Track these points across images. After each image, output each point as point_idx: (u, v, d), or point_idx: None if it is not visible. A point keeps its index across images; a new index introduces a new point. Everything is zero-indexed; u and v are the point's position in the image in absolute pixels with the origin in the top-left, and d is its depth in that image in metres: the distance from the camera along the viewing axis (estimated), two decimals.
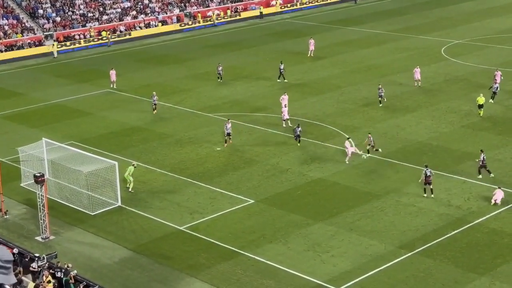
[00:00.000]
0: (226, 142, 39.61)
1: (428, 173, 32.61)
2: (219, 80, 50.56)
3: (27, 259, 26.31)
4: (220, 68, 51.85)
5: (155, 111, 44.37)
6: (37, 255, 26.45)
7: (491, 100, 45.14)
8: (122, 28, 70.97)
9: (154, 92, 45.48)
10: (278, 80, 52.12)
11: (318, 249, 28.09)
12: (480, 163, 34.57)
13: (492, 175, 34.56)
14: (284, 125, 42.31)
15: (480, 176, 34.53)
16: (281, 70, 52.20)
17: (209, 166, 37.00)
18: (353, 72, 54.40)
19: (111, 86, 49.65)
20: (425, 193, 32.78)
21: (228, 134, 39.63)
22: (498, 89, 45.94)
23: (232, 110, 46.02)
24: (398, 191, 33.25)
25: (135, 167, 34.75)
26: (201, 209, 32.12)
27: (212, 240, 29.12)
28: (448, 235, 28.81)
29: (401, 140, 38.36)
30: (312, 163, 36.90)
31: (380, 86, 46.46)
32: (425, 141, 39.54)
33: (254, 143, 39.69)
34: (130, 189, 34.03)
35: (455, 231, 29.20)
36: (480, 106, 43.07)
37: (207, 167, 36.84)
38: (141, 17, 72.81)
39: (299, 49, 60.79)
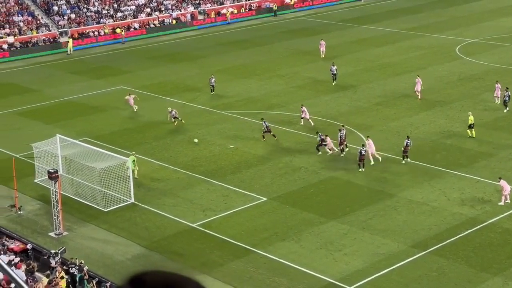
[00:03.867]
0: (264, 138, 39.66)
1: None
2: (212, 93, 48.92)
3: (45, 257, 26.44)
4: (213, 80, 49.44)
5: (176, 123, 42.67)
6: (53, 251, 26.63)
7: (506, 110, 43.35)
8: (137, 25, 71.12)
9: (169, 108, 43.70)
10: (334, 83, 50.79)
11: (330, 247, 28.08)
12: (403, 149, 35.97)
13: (404, 161, 35.85)
14: (302, 123, 42.19)
15: (403, 162, 35.84)
16: (334, 72, 50.72)
17: (222, 163, 37.03)
18: (367, 71, 54.25)
19: (133, 110, 45.63)
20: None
21: (269, 131, 39.58)
22: (510, 97, 43.37)
23: (245, 107, 46.02)
24: (411, 190, 33.16)
25: (135, 156, 35.56)
26: (214, 206, 32.17)
27: (225, 238, 29.17)
28: (461, 235, 28.72)
29: (414, 139, 38.21)
30: (325, 162, 36.84)
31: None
32: (439, 140, 39.39)
33: (267, 141, 39.66)
34: (135, 176, 34.40)
35: (468, 231, 29.11)
36: (470, 126, 39.19)
37: (220, 165, 36.86)
38: (155, 14, 72.94)
39: (312, 48, 60.70)
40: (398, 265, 26.54)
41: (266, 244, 28.48)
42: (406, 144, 36.00)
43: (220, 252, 28.01)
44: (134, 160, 34.98)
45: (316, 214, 30.99)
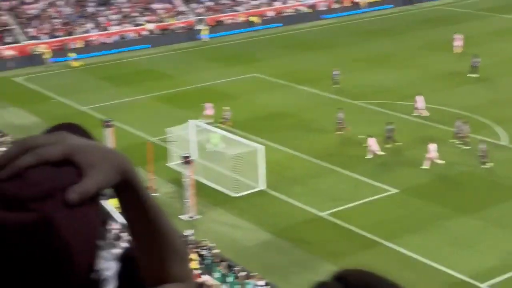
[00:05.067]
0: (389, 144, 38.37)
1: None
2: (333, 86, 47.79)
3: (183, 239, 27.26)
4: (335, 73, 48.39)
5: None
6: (185, 233, 27.40)
7: None
8: (271, 13, 71.65)
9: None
10: (470, 75, 49.63)
11: (461, 243, 27.34)
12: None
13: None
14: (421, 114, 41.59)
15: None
16: (476, 64, 49.49)
17: (353, 153, 36.74)
18: (506, 62, 52.11)
19: (211, 121, 41.18)
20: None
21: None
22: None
23: (378, 98, 45.40)
24: None
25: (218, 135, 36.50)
26: (343, 196, 32.02)
27: (353, 228, 28.99)
28: None
29: None
30: (459, 156, 35.82)
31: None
32: None
33: (400, 132, 38.99)
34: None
35: None
36: None
37: (350, 154, 36.60)
38: (290, 2, 73.19)
39: (448, 38, 59.05)
40: None
41: (394, 236, 28.08)
42: None
43: (347, 242, 27.87)
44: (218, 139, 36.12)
45: (447, 208, 30.23)
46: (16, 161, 1.30)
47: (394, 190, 32.35)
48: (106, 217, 1.45)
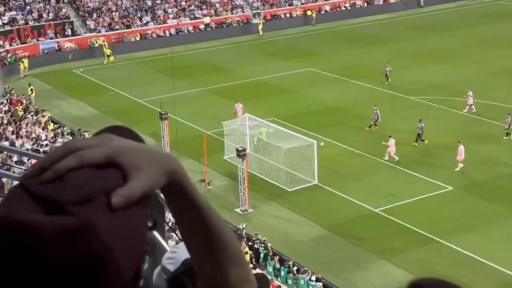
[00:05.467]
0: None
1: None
2: (386, 82, 46.89)
3: (238, 232, 27.41)
4: (388, 69, 47.61)
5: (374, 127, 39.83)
6: (239, 226, 27.55)
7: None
8: (328, 8, 71.36)
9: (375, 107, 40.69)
10: None
11: None
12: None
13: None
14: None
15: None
16: None
17: (407, 150, 36.35)
18: None
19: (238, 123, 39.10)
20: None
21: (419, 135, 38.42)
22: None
23: (433, 93, 44.83)
24: None
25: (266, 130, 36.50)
26: (397, 192, 31.73)
27: (407, 225, 28.72)
28: None
29: None
30: None
31: None
32: None
33: (454, 129, 38.46)
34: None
35: None
36: None
37: (404, 151, 36.22)
38: None
39: (509, 33, 57.92)
40: None
41: (449, 234, 27.72)
42: None
43: (401, 239, 27.63)
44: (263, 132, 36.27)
45: (504, 207, 29.70)
46: (58, 164, 1.26)
47: (449, 188, 31.94)
48: (157, 220, 1.41)
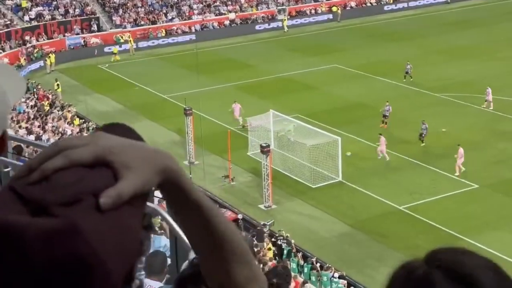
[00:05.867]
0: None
1: None
2: (404, 79, 46.75)
3: (258, 228, 27.44)
4: (408, 67, 47.49)
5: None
6: (262, 223, 27.55)
7: None
8: (353, 4, 71.08)
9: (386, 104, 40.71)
10: None
11: None
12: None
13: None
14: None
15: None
16: None
17: (433, 147, 36.12)
18: None
19: (240, 124, 39.85)
20: None
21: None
22: None
23: (460, 90, 44.48)
24: None
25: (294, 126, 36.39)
26: (422, 190, 31.56)
27: (432, 223, 28.56)
28: None
29: None
30: None
31: None
32: None
33: (480, 126, 38.15)
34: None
35: None
36: None
37: (430, 148, 36.01)
38: None
39: None
40: None
41: (475, 232, 27.51)
42: None
43: (426, 236, 27.45)
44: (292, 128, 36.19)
45: None
46: (45, 164, 1.22)
47: (475, 185, 31.71)
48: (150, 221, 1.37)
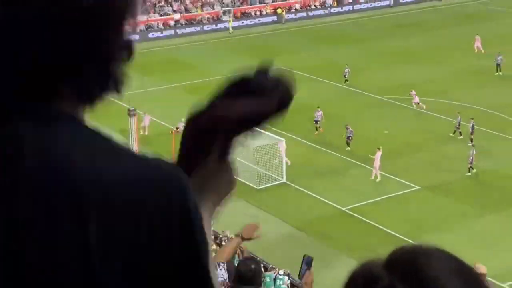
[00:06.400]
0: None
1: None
2: (344, 84, 48.84)
3: None
4: (346, 71, 48.40)
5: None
6: None
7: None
8: (298, 6, 71.41)
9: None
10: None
11: (486, 241, 27.08)
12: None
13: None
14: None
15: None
16: (498, 62, 49.21)
17: (374, 148, 36.39)
18: None
19: (142, 132, 39.25)
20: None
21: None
22: None
23: (402, 93, 44.98)
24: None
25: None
26: (366, 191, 31.85)
27: (375, 224, 28.84)
28: None
29: None
30: (482, 153, 35.40)
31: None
32: None
33: (423, 130, 38.68)
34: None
35: None
36: None
37: (373, 150, 36.31)
38: None
39: (478, 35, 58.35)
40: None
41: (417, 233, 27.86)
42: None
43: (369, 238, 27.71)
44: None
45: (471, 207, 29.97)
46: None
47: (416, 187, 32.13)
48: None
